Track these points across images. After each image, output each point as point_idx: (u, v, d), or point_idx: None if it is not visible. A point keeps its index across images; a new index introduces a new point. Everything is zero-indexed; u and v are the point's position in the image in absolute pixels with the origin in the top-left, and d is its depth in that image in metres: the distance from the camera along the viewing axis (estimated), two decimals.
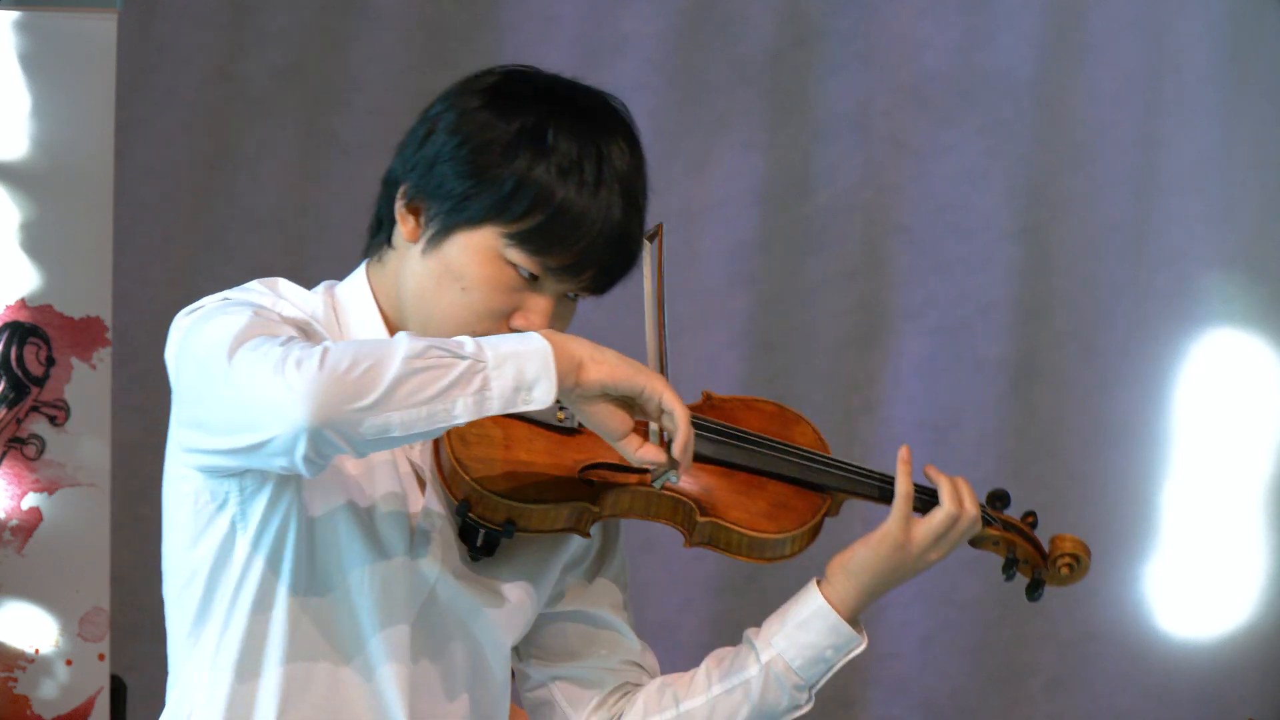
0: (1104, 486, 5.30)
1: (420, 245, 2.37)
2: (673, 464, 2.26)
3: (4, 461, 4.08)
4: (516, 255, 2.34)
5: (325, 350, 2.14)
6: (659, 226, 2.53)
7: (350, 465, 2.37)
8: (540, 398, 2.18)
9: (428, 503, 2.42)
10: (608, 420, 2.25)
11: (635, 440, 2.26)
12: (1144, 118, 5.30)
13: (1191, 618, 5.30)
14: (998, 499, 2.60)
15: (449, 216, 2.35)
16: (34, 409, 4.08)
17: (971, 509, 2.52)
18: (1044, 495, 5.22)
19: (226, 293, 2.38)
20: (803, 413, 2.63)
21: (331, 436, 2.14)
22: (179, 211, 5.03)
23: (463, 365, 2.16)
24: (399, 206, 2.38)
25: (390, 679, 2.40)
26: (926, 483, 2.54)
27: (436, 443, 2.42)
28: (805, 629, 2.52)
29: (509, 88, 2.37)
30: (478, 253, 2.35)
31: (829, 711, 5.30)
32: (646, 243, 2.50)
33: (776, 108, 5.28)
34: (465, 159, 2.34)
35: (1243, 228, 5.30)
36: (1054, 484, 5.28)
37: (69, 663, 4.10)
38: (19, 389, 4.08)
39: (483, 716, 2.49)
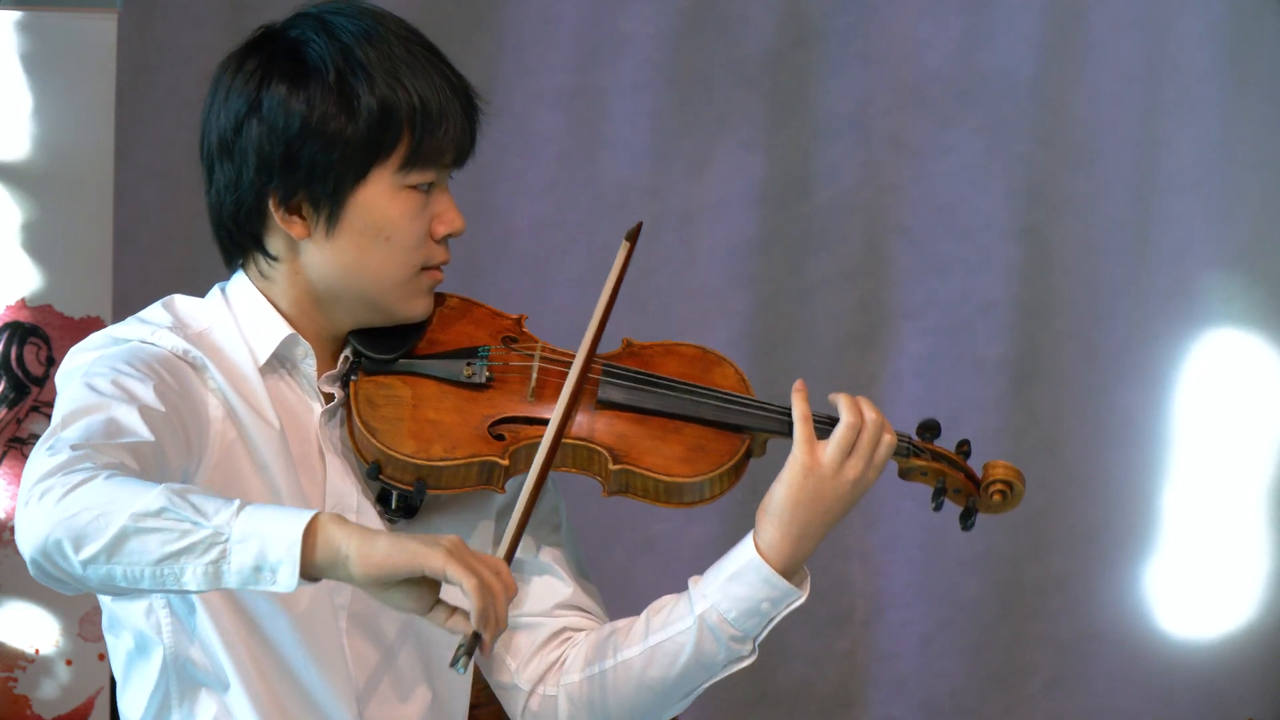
0: (1104, 486, 5.30)
1: (318, 235, 2.39)
2: (476, 634, 2.13)
3: (4, 461, 4.08)
4: (415, 177, 2.38)
5: (80, 482, 2.09)
6: (639, 225, 2.52)
7: (244, 460, 2.37)
8: (284, 582, 2.09)
9: (333, 477, 2.42)
10: (405, 601, 2.13)
11: (441, 612, 2.15)
12: (1144, 118, 5.30)
13: (1191, 618, 5.30)
14: (927, 429, 2.55)
15: (336, 190, 2.36)
16: (34, 409, 4.08)
17: (873, 416, 2.45)
18: (1044, 495, 5.21)
19: (114, 329, 2.38)
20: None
21: (56, 574, 2.11)
22: (179, 211, 5.03)
23: (200, 534, 2.08)
24: (278, 216, 2.39)
25: (328, 683, 2.40)
26: (833, 412, 2.49)
27: (347, 409, 2.43)
28: (738, 581, 2.45)
29: (287, 52, 2.39)
30: (380, 199, 2.38)
31: (829, 711, 5.30)
32: (625, 241, 2.50)
33: (776, 108, 5.27)
34: (317, 133, 2.35)
35: (1243, 228, 5.29)
36: (1054, 484, 5.27)
37: (69, 663, 4.10)
38: (19, 389, 4.08)
39: (442, 704, 2.48)
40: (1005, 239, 5.30)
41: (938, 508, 2.53)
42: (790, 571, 2.44)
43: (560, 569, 2.55)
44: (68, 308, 4.09)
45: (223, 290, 2.46)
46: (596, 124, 5.17)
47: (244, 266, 2.46)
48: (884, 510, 5.47)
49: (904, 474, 2.54)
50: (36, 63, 4.06)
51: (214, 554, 2.08)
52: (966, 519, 2.54)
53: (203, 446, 2.34)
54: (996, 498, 2.53)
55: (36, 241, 4.08)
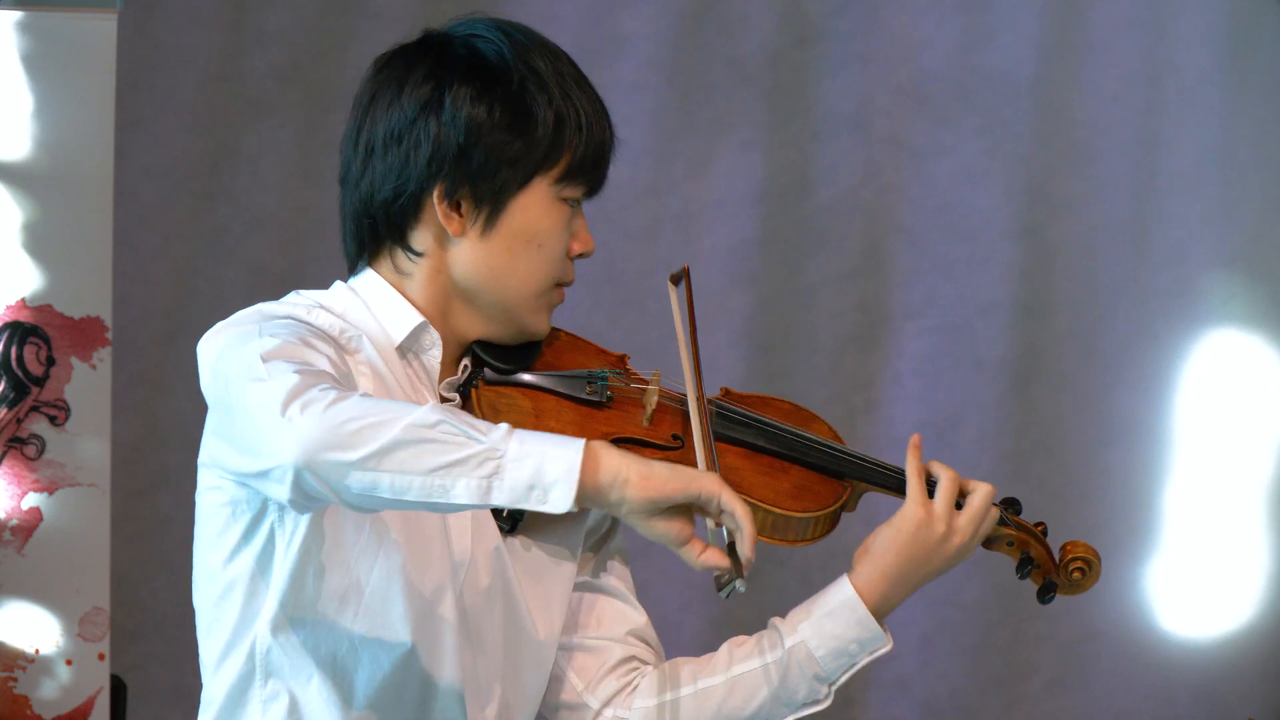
0: (1104, 486, 5.30)
1: (473, 233, 2.43)
2: (737, 565, 2.22)
3: (4, 461, 4.08)
4: (569, 190, 2.45)
5: (338, 398, 2.13)
6: (685, 268, 2.57)
7: None
8: (556, 501, 2.14)
9: None
10: (666, 531, 2.23)
11: (697, 546, 2.25)
12: (1144, 118, 5.30)
13: (1192, 618, 5.30)
14: (1010, 504, 2.61)
15: (501, 191, 2.42)
16: (34, 409, 4.08)
17: (984, 485, 2.54)
18: (1044, 495, 5.21)
19: (263, 305, 2.40)
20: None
21: (314, 482, 2.14)
22: (179, 211, 5.03)
23: (476, 448, 2.13)
24: (440, 209, 2.43)
25: (443, 671, 2.41)
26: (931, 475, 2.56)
27: (466, 410, 2.44)
28: (832, 618, 2.52)
29: (469, 55, 2.47)
30: (538, 206, 2.43)
31: (829, 711, 5.30)
32: (671, 286, 2.54)
33: (776, 108, 5.28)
34: (494, 136, 2.42)
35: (1243, 228, 5.29)
36: (1054, 484, 5.27)
37: (69, 663, 4.10)
38: (19, 389, 4.08)
39: (509, 708, 2.49)
40: (1005, 239, 5.30)
41: (1023, 577, 2.61)
42: (879, 614, 2.51)
43: (632, 597, 2.60)
44: (68, 308, 4.09)
45: (348, 285, 2.49)
46: None
47: (372, 263, 2.48)
48: (884, 510, 5.46)
49: (990, 542, 2.60)
50: (36, 63, 4.06)
51: (488, 469, 2.12)
52: (1045, 594, 2.62)
53: None
54: (1076, 574, 2.61)
55: (36, 241, 4.08)
